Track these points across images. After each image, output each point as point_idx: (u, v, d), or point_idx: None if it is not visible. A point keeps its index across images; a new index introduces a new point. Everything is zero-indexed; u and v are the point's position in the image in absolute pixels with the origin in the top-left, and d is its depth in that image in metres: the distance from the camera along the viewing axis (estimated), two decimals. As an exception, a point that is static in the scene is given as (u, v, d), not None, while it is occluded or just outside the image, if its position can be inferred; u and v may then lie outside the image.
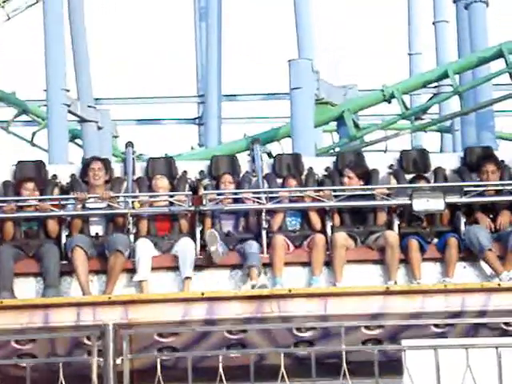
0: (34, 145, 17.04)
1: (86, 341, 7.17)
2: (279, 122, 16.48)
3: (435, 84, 15.73)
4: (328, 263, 8.35)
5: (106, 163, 8.87)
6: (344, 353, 6.03)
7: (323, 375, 6.18)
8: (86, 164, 8.84)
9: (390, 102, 13.87)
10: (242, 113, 20.42)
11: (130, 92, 21.13)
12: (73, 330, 7.69)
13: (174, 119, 20.36)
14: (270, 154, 15.83)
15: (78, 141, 16.46)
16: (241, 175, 8.97)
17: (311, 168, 9.01)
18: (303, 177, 8.94)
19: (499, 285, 7.99)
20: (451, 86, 13.88)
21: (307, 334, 7.70)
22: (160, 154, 17.94)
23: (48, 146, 13.82)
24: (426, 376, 5.84)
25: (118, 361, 6.01)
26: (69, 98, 14.06)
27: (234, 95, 20.12)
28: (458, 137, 17.46)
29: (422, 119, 15.70)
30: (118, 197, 8.54)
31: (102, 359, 6.00)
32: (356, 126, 13.85)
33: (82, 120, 15.16)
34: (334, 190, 8.59)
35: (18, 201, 8.47)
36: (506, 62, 13.24)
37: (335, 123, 14.63)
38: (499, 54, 13.30)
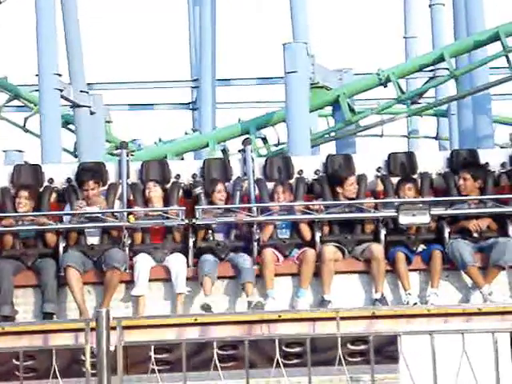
0: (26, 130, 16.94)
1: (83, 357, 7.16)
2: (274, 107, 16.39)
3: (431, 67, 15.62)
4: (316, 274, 8.53)
5: (100, 172, 8.96)
6: (339, 339, 5.98)
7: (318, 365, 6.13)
8: (80, 181, 8.87)
9: (385, 86, 13.78)
10: (237, 97, 20.33)
11: (123, 77, 21.07)
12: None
13: (167, 104, 20.25)
14: (264, 140, 15.79)
15: (70, 126, 16.35)
16: (232, 178, 9.11)
17: (301, 171, 9.12)
18: (293, 180, 9.06)
19: (479, 309, 8.12)
20: (447, 69, 13.78)
21: (296, 350, 7.81)
22: (154, 140, 18.07)
23: (40, 132, 13.72)
24: (422, 362, 5.78)
25: (112, 348, 5.96)
26: (61, 82, 13.95)
27: (228, 80, 20.01)
28: (454, 121, 17.40)
29: (418, 103, 15.59)
30: (113, 207, 8.79)
31: (95, 346, 5.94)
32: (351, 110, 13.76)
33: (75, 105, 15.05)
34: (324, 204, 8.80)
35: (15, 216, 8.65)
36: (503, 45, 13.15)
37: (330, 108, 14.55)
38: (496, 37, 13.21)
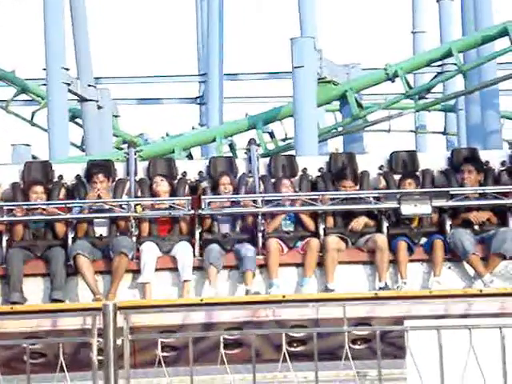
0: (33, 124, 16.96)
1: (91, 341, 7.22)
2: (281, 102, 16.37)
3: (439, 63, 15.60)
4: (320, 264, 8.64)
5: (109, 168, 9.12)
6: (346, 334, 5.98)
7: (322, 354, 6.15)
8: (90, 174, 9.03)
9: (393, 81, 13.75)
10: (244, 92, 20.33)
11: (130, 71, 21.08)
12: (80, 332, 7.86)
13: (175, 98, 20.26)
14: (272, 134, 15.78)
15: (78, 120, 16.37)
16: (238, 176, 9.23)
17: (305, 169, 9.29)
18: (297, 178, 9.22)
19: (481, 291, 8.38)
20: (455, 64, 13.75)
21: (300, 334, 8.01)
22: (161, 134, 18.07)
23: (48, 126, 13.74)
24: (429, 357, 5.78)
25: (119, 341, 5.96)
26: (69, 76, 13.97)
27: (236, 74, 20.00)
28: (462, 116, 17.36)
29: (425, 98, 15.56)
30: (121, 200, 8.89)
31: (101, 340, 5.94)
32: (359, 105, 13.74)
33: (82, 99, 15.07)
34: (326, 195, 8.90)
35: (27, 204, 8.78)
36: (511, 40, 13.11)
37: (338, 102, 14.52)
38: (504, 33, 13.17)
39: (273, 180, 9.19)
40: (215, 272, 8.47)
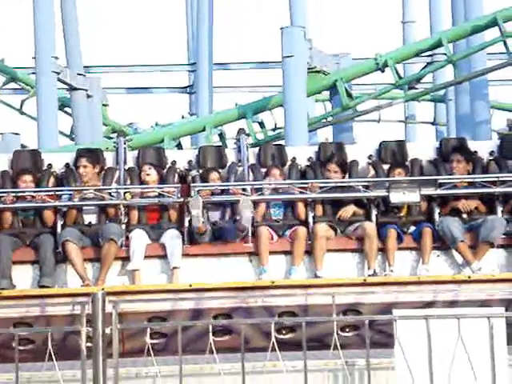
0: (22, 113, 16.92)
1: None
2: (271, 91, 16.35)
3: (429, 53, 15.60)
4: (309, 252, 8.67)
5: (97, 155, 9.12)
6: (335, 323, 6.01)
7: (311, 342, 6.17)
8: (75, 158, 9.11)
9: (383, 71, 13.75)
10: (234, 82, 20.30)
11: (120, 60, 21.01)
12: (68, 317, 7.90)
13: (164, 88, 20.22)
14: (261, 124, 15.76)
15: (67, 109, 16.32)
16: (227, 165, 9.28)
17: (294, 158, 9.32)
18: (286, 167, 9.24)
19: (469, 277, 8.46)
20: (445, 54, 13.76)
21: (289, 321, 8.06)
22: (151, 123, 18.04)
23: (37, 115, 13.70)
24: (418, 346, 5.80)
25: (108, 330, 5.95)
26: (58, 65, 13.92)
27: (226, 64, 19.96)
28: (451, 106, 17.38)
29: (415, 88, 15.58)
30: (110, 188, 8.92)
31: (90, 328, 5.93)
32: (349, 95, 13.74)
33: (72, 88, 15.02)
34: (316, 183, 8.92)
35: (16, 192, 8.78)
36: (501, 30, 13.12)
37: (328, 92, 14.52)
38: (494, 23, 13.18)
39: (262, 170, 9.20)
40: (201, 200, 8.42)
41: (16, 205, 8.69)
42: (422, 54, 14.89)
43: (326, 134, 16.53)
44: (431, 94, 17.39)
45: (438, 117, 19.77)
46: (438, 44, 13.63)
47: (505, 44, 13.22)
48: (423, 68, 15.25)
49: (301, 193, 8.83)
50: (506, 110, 18.74)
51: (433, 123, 20.16)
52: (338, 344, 6.02)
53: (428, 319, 5.79)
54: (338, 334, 5.98)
